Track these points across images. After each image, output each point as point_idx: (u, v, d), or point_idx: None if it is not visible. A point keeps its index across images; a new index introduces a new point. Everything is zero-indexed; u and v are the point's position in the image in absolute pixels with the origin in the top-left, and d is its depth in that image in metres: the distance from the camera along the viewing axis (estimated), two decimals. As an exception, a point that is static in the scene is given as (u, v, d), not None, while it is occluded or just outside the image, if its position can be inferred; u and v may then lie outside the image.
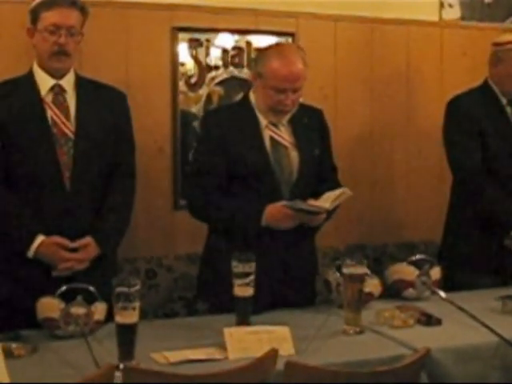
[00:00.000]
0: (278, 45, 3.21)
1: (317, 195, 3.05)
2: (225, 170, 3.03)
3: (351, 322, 2.69)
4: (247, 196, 3.02)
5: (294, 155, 3.09)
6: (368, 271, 2.85)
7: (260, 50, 3.33)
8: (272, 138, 3.07)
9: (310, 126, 3.17)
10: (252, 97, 3.11)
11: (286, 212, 2.93)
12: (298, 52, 3.07)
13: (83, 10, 2.95)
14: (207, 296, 3.19)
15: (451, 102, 3.71)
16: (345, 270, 2.73)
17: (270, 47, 3.16)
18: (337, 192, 2.99)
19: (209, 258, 3.18)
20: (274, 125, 3.08)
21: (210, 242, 3.18)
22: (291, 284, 3.05)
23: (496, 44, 3.69)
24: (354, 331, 2.68)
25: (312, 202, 2.98)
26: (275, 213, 2.95)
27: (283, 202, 2.96)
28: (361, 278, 2.74)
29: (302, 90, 3.04)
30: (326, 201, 2.96)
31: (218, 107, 3.76)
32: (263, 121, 3.07)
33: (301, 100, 3.11)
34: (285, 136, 3.09)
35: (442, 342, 2.54)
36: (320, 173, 3.17)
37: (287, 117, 3.09)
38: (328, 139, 3.27)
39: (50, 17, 2.88)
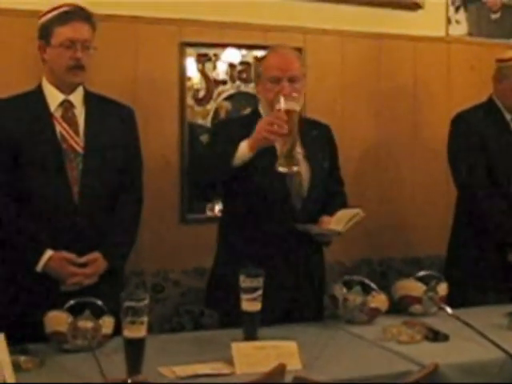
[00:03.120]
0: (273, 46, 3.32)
1: (325, 209, 3.06)
2: None
3: (284, 162, 2.75)
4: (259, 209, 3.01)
5: (305, 166, 3.08)
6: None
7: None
8: None
9: (319, 139, 3.17)
10: (262, 111, 3.10)
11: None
12: (292, 50, 3.15)
13: (93, 25, 2.98)
14: (216, 307, 3.17)
15: (455, 119, 3.72)
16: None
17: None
18: (349, 213, 2.98)
19: (218, 270, 3.15)
20: None
21: (220, 253, 3.17)
22: (300, 298, 3.05)
23: (500, 60, 3.70)
24: (290, 169, 2.75)
25: (324, 224, 2.97)
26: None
27: (297, 225, 2.96)
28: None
29: (303, 87, 3.07)
30: (339, 223, 2.95)
31: (227, 119, 3.82)
32: None
33: (308, 116, 3.10)
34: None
35: (449, 358, 2.54)
36: (328, 186, 3.17)
37: None
38: (336, 153, 3.28)
39: (65, 32, 2.90)
